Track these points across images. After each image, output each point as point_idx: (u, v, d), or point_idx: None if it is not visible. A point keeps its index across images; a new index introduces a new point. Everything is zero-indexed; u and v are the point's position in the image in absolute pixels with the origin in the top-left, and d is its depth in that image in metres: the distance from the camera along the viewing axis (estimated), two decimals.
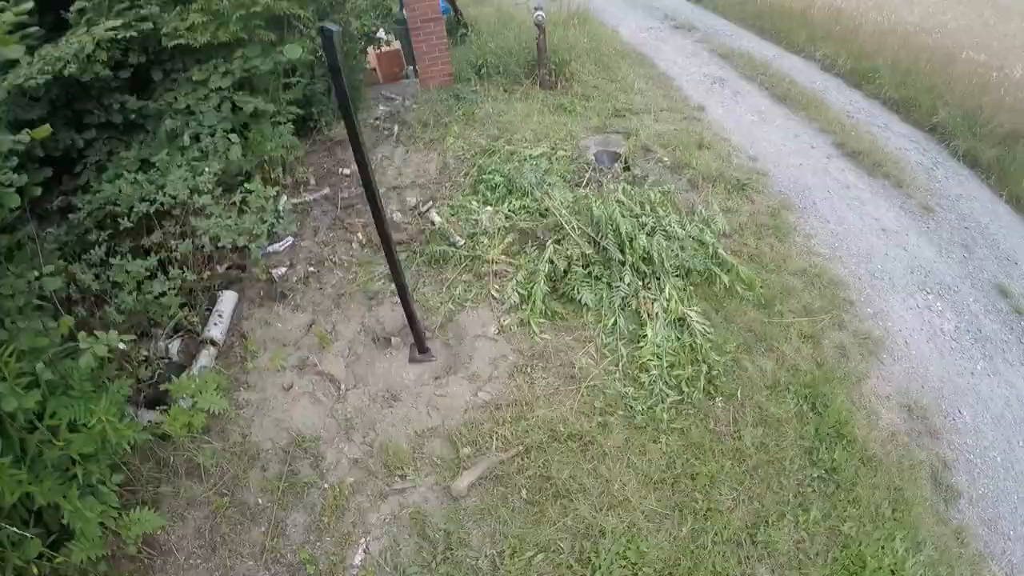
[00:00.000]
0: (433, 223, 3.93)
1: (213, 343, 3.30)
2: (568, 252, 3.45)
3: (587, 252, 3.41)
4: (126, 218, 3.24)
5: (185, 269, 3.17)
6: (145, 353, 3.17)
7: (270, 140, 3.88)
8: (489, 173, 4.34)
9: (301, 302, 3.55)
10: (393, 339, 3.37)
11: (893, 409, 2.98)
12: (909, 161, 5.09)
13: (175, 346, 3.24)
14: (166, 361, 3.20)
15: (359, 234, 4.14)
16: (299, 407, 2.93)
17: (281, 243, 4.05)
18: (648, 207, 3.79)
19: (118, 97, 3.90)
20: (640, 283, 3.32)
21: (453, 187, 4.50)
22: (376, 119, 5.74)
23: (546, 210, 3.79)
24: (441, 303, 3.47)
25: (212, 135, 3.65)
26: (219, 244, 3.22)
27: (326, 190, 4.62)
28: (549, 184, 4.02)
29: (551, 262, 3.48)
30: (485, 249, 3.67)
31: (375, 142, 5.37)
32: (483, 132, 5.40)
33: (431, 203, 4.24)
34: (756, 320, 3.29)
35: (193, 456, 2.63)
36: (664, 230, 3.61)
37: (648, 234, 3.57)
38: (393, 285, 3.59)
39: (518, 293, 3.39)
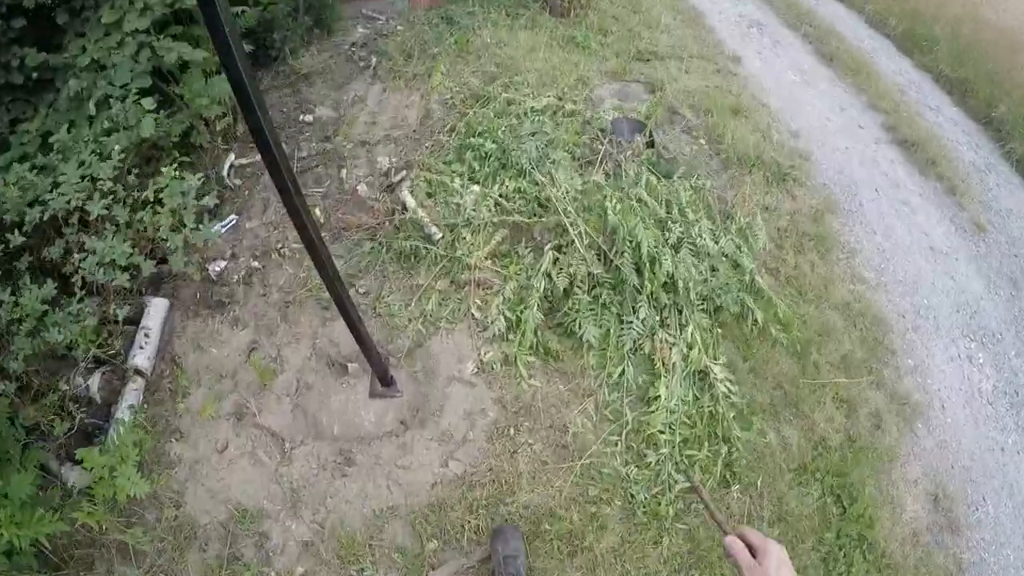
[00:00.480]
0: (405, 206, 3.09)
1: (140, 373, 2.59)
2: (572, 268, 2.70)
3: (595, 272, 2.69)
4: (17, 230, 2.33)
5: (86, 300, 2.34)
6: (65, 387, 2.44)
7: (203, 95, 2.84)
8: (479, 135, 3.38)
9: (241, 314, 2.77)
10: (351, 366, 2.68)
11: (919, 498, 2.55)
12: (962, 160, 4.29)
13: (95, 382, 2.49)
14: (86, 402, 2.46)
15: (316, 210, 3.26)
16: (237, 471, 2.30)
17: (224, 222, 3.16)
18: (676, 209, 3.00)
19: (17, 51, 2.82)
20: (658, 318, 2.67)
21: (434, 148, 3.55)
22: (352, 46, 4.47)
23: (547, 200, 2.97)
24: (410, 320, 2.76)
25: (124, 99, 2.59)
26: (113, 280, 2.35)
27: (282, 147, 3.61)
28: (552, 162, 3.14)
29: (549, 277, 2.76)
30: (468, 248, 2.87)
31: (348, 76, 4.22)
32: (477, 68, 4.30)
33: (404, 173, 3.33)
34: (789, 374, 2.70)
35: (121, 535, 2.06)
36: (692, 244, 2.87)
37: (673, 247, 2.85)
38: (358, 295, 2.85)
39: (504, 316, 2.70)
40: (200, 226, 2.62)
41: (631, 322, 2.60)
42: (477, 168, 3.21)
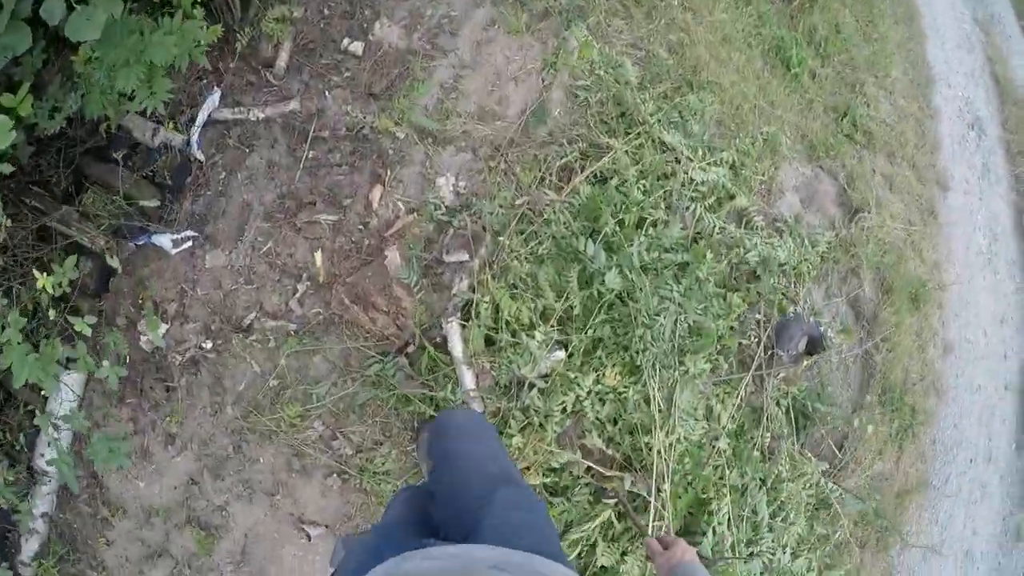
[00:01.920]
0: (447, 341, 1.81)
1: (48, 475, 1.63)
2: (623, 565, 1.83)
3: None
4: None
5: None
6: None
7: (129, 64, 1.17)
8: (604, 242, 1.89)
9: (180, 430, 1.65)
10: (314, 532, 1.79)
11: None
12: None
13: None
14: None
15: (317, 255, 1.88)
16: None
17: (179, 236, 1.73)
18: (784, 514, 1.98)
19: None
20: None
21: (526, 214, 2.02)
22: None
23: (646, 446, 1.87)
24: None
25: None
26: None
27: (293, 103, 1.92)
28: (684, 372, 1.82)
29: (592, 547, 1.87)
30: (512, 453, 1.83)
31: None
32: (640, 44, 2.47)
33: (466, 258, 1.90)
34: None
35: None
36: (771, 556, 2.03)
37: (745, 561, 2.00)
38: (344, 452, 1.70)
39: None
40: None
41: None
42: (576, 309, 1.87)
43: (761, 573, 2.03)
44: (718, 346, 1.94)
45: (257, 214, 1.89)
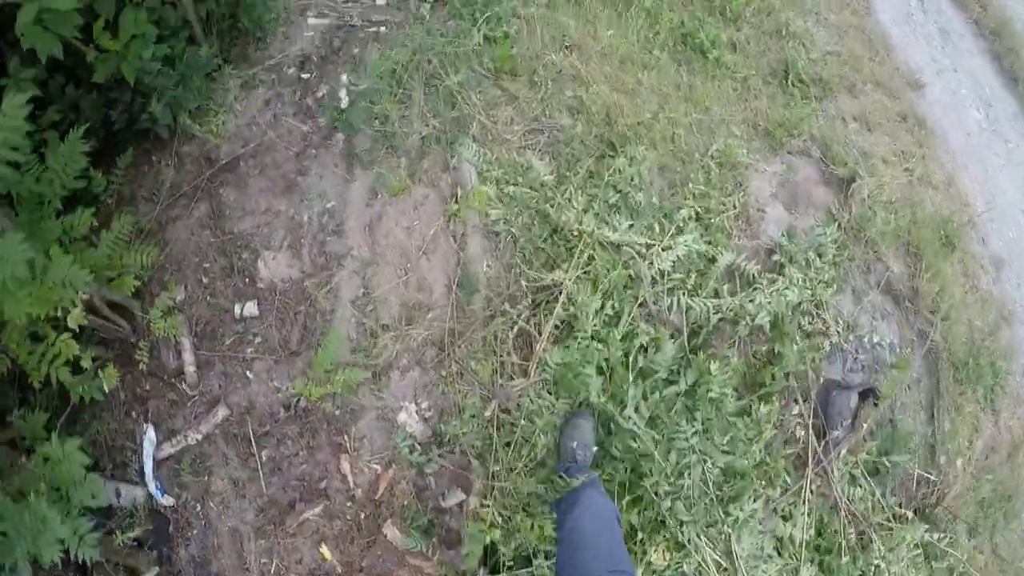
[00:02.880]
0: None
1: None
2: None
3: None
4: None
5: None
6: None
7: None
8: (607, 417, 1.61)
9: None
10: None
11: None
12: None
13: None
14: None
15: (324, 551, 1.67)
16: None
17: None
18: None
19: None
20: None
21: (504, 430, 1.71)
22: (298, 68, 1.98)
23: None
24: None
25: None
26: None
27: (221, 409, 1.69)
28: (734, 521, 1.57)
29: None
30: None
31: (300, 151, 1.88)
32: (536, 123, 2.10)
33: (461, 497, 1.65)
34: None
35: None
36: None
37: None
38: None
39: None
40: None
41: None
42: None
43: None
44: (761, 478, 1.69)
45: (248, 536, 1.72)
